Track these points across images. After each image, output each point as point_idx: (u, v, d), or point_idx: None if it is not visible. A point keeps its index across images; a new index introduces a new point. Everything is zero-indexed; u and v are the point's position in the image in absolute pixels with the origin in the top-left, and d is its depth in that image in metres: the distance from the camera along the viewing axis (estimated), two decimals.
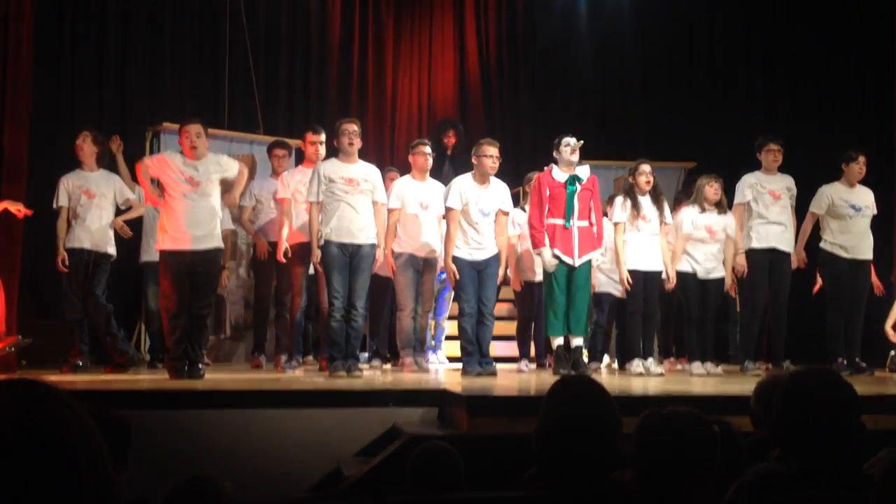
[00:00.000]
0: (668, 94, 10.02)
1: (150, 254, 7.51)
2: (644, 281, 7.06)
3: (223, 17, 9.26)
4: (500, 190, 6.89)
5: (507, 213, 6.98)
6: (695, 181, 7.54)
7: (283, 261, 6.85)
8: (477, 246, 6.73)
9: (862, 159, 7.31)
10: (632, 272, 7.06)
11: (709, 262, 7.23)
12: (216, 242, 6.18)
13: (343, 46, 10.14)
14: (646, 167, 7.11)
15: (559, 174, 6.65)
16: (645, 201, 7.07)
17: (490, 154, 6.75)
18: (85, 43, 8.88)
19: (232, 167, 6.26)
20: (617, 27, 10.82)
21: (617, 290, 7.59)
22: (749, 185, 7.29)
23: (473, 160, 6.82)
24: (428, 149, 7.21)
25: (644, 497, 2.26)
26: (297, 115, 7.55)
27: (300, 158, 7.52)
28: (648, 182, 7.07)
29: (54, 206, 6.78)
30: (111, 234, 6.96)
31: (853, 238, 7.25)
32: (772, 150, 7.30)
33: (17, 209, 6.57)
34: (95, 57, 8.90)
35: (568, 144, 6.68)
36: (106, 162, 7.06)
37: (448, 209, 6.76)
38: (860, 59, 9.89)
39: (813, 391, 2.17)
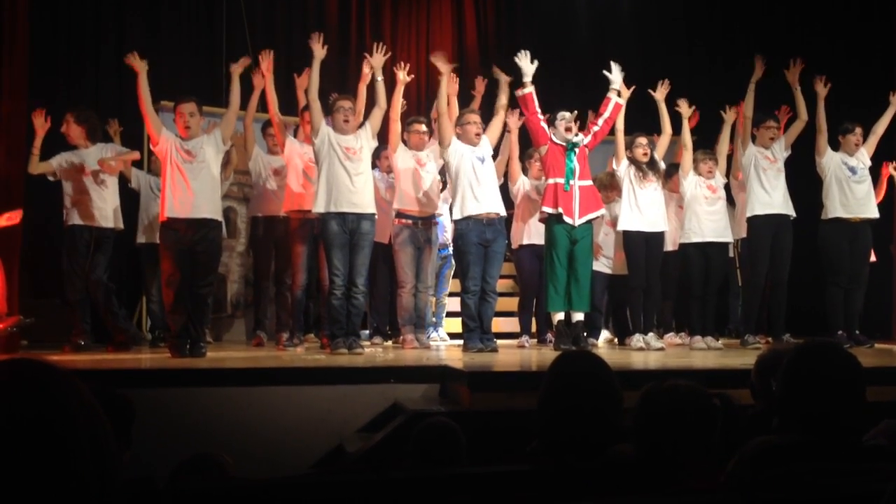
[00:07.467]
0: (667, 69, 9.97)
1: (146, 235, 7.52)
2: (646, 247, 7.08)
3: None
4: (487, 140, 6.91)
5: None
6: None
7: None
8: (483, 197, 6.67)
9: (858, 131, 7.42)
10: (633, 234, 7.09)
11: (713, 223, 7.24)
12: (217, 214, 6.21)
13: (341, 22, 10.09)
14: (642, 140, 7.18)
15: (558, 139, 6.69)
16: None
17: (473, 121, 6.79)
18: (81, 23, 8.82)
19: (224, 146, 6.32)
20: (615, 1, 10.76)
21: (609, 268, 7.61)
22: (748, 157, 7.30)
23: (458, 130, 6.81)
24: (423, 127, 7.21)
25: (645, 470, 2.27)
26: (293, 92, 7.51)
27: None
28: (645, 154, 7.14)
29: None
30: (116, 207, 6.96)
31: (855, 202, 7.30)
32: (770, 127, 7.30)
33: (9, 217, 6.57)
34: (91, 37, 8.85)
35: (563, 119, 6.70)
36: (99, 136, 7.04)
37: None
38: (861, 34, 9.85)
39: (821, 364, 2.17)
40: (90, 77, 8.76)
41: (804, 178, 7.78)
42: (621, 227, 7.22)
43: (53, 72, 8.42)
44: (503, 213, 6.85)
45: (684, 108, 7.34)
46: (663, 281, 7.38)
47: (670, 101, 7.40)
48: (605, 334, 7.97)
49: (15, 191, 6.79)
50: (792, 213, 7.29)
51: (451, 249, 7.59)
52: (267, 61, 6.77)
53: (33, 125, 6.82)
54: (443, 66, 6.76)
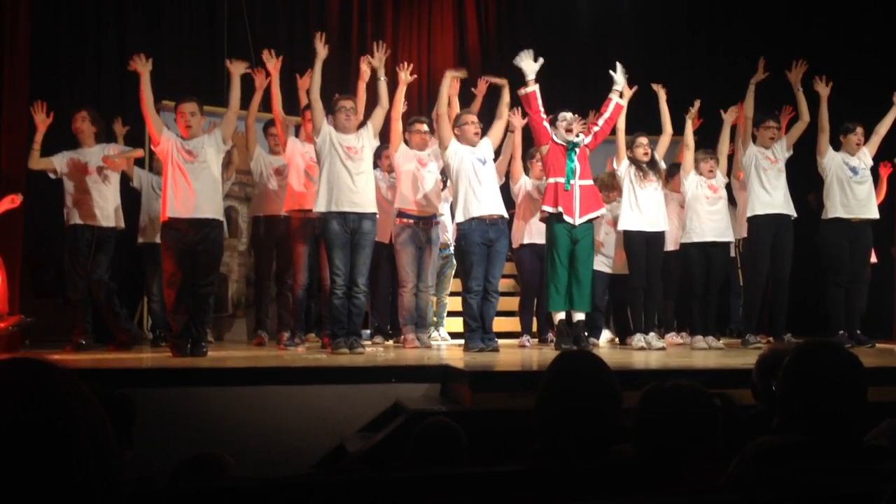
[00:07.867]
0: (668, 68, 9.97)
1: (147, 235, 7.52)
2: (647, 247, 7.08)
3: None
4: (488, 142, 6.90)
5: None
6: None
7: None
8: (484, 198, 6.65)
9: (860, 130, 7.42)
10: (633, 234, 7.09)
11: (714, 223, 7.24)
12: (218, 214, 6.21)
13: (342, 22, 10.09)
14: (643, 140, 7.19)
15: (559, 139, 6.71)
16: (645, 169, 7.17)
17: (471, 122, 6.79)
18: (82, 23, 8.82)
19: (224, 146, 6.32)
20: (617, 1, 10.77)
21: (609, 268, 7.61)
22: (748, 157, 7.31)
23: (456, 132, 6.81)
24: (425, 127, 7.21)
25: (646, 470, 2.27)
26: (295, 90, 7.52)
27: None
28: (646, 154, 7.15)
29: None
30: (117, 207, 6.96)
31: (856, 202, 7.28)
32: (770, 127, 7.30)
33: (11, 200, 6.55)
34: (93, 36, 8.85)
35: (564, 119, 6.71)
36: (103, 138, 7.06)
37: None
38: (862, 28, 9.84)
39: (822, 364, 2.17)
40: (91, 75, 8.75)
41: (804, 178, 7.78)
42: (622, 226, 7.21)
43: (54, 70, 8.41)
44: (505, 214, 6.85)
45: (693, 111, 7.36)
46: (664, 280, 7.38)
47: (672, 101, 7.40)
48: (606, 334, 7.96)
49: (16, 189, 6.78)
50: (793, 212, 7.30)
51: (451, 249, 7.59)
52: (274, 62, 6.76)
53: (34, 120, 6.81)
54: (457, 75, 6.81)
